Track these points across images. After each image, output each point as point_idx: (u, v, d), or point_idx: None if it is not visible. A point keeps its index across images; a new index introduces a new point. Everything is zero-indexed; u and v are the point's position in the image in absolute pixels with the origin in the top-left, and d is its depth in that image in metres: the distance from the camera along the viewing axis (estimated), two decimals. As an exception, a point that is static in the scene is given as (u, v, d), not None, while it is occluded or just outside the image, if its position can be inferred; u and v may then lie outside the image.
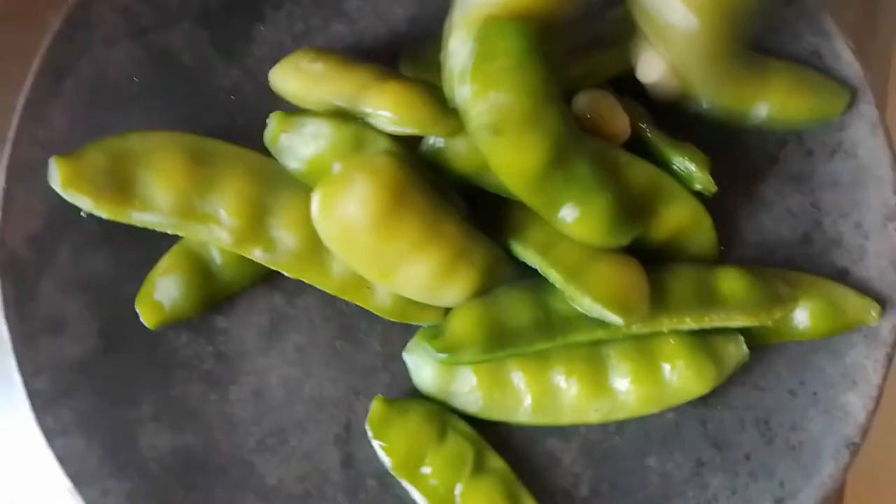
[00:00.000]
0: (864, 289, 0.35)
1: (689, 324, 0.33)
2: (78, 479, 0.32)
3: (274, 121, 0.33)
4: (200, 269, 0.34)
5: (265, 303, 0.35)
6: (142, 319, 0.34)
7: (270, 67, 0.35)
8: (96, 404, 0.33)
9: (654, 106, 0.35)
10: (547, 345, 0.33)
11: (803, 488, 0.34)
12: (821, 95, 0.36)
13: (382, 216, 0.31)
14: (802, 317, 0.34)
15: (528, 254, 0.34)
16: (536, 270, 0.34)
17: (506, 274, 0.34)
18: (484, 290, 0.34)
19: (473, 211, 0.35)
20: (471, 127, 0.31)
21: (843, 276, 0.36)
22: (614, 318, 0.32)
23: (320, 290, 0.34)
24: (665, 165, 0.34)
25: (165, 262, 0.34)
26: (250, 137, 0.34)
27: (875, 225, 0.36)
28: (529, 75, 0.30)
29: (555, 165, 0.31)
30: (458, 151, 0.33)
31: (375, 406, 0.34)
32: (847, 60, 0.36)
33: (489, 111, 0.30)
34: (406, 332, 0.35)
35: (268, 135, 0.34)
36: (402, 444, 0.33)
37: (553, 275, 0.33)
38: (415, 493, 0.33)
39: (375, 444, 0.34)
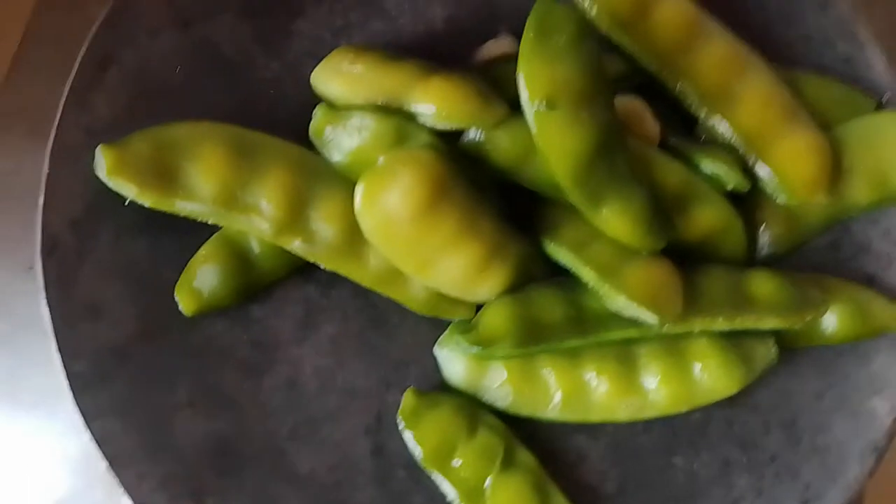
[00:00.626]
0: (891, 295, 0.35)
1: (721, 324, 0.33)
2: (115, 461, 0.33)
3: (319, 113, 0.34)
4: (239, 258, 0.35)
5: (300, 294, 0.36)
6: (180, 307, 0.34)
7: (310, 62, 0.35)
8: (133, 389, 0.34)
9: (683, 112, 0.36)
10: (579, 341, 0.34)
11: (828, 490, 0.34)
12: (846, 106, 0.37)
13: (423, 209, 0.31)
14: (830, 321, 0.35)
15: (561, 252, 0.34)
16: (568, 270, 0.34)
17: (538, 271, 0.35)
18: (517, 287, 0.34)
19: (508, 208, 0.35)
20: (525, 101, 0.31)
21: (870, 282, 0.36)
22: (649, 317, 0.32)
23: (354, 283, 0.35)
24: (695, 170, 0.35)
25: (205, 250, 0.35)
26: (289, 131, 0.35)
27: (904, 232, 0.36)
28: (585, 54, 0.31)
29: (601, 154, 0.31)
30: (498, 145, 0.33)
31: (407, 397, 0.34)
32: (880, 69, 0.37)
33: (546, 84, 0.30)
34: (437, 326, 0.36)
35: (313, 127, 0.34)
36: (432, 435, 0.34)
37: (587, 273, 0.33)
38: (444, 485, 0.34)
39: (406, 435, 0.34)
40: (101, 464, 0.33)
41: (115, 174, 0.33)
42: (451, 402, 0.34)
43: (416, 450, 0.34)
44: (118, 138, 0.34)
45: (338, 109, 0.34)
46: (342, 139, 0.34)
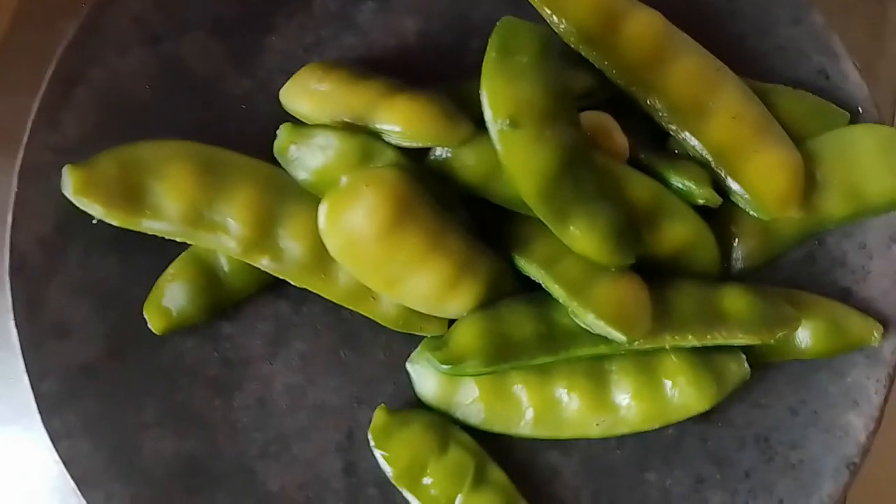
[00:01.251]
0: (866, 309, 0.35)
1: (692, 341, 0.33)
2: (83, 481, 0.33)
3: (283, 132, 0.34)
4: (208, 275, 0.35)
5: (271, 310, 0.36)
6: (149, 325, 0.34)
7: (281, 78, 0.35)
8: (102, 408, 0.34)
9: (654, 127, 0.36)
10: (549, 358, 0.33)
11: (802, 507, 0.34)
12: (819, 119, 0.36)
13: (388, 228, 0.31)
14: (805, 336, 0.34)
15: (531, 268, 0.34)
16: (540, 285, 0.34)
17: (509, 287, 0.35)
18: (487, 303, 0.34)
19: (478, 224, 0.35)
20: (489, 120, 0.31)
21: (845, 296, 0.36)
22: (617, 335, 0.32)
23: (325, 299, 0.35)
24: (666, 184, 0.35)
25: (174, 268, 0.34)
26: (261, 147, 0.35)
27: (879, 245, 0.36)
28: (548, 73, 0.31)
29: (567, 171, 0.31)
30: (464, 162, 0.33)
31: (378, 415, 0.34)
32: (854, 81, 0.37)
33: (509, 103, 0.30)
34: (410, 341, 0.35)
35: (277, 145, 0.34)
36: (403, 453, 0.34)
37: (556, 290, 0.33)
38: (415, 503, 0.34)
39: (377, 453, 0.34)
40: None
41: (81, 194, 0.33)
42: (422, 419, 0.34)
43: (387, 468, 0.34)
44: (87, 157, 0.34)
45: (303, 127, 0.34)
46: (307, 157, 0.33)
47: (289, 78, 0.35)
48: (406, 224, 0.32)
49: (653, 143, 0.35)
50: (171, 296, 0.34)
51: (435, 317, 0.35)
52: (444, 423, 0.34)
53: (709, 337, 0.33)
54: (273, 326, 0.36)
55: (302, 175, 0.34)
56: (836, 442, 0.34)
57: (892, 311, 0.35)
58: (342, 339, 0.36)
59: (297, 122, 0.34)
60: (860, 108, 0.36)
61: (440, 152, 0.33)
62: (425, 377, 0.35)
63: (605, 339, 0.33)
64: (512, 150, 0.31)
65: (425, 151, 0.33)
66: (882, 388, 0.34)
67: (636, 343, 0.33)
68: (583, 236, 0.32)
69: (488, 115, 0.31)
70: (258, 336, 0.35)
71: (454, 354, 0.33)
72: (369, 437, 0.34)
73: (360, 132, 0.33)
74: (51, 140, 0.35)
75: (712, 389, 0.33)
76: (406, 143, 0.32)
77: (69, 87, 0.35)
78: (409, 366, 0.35)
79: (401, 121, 0.32)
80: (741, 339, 0.33)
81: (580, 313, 0.33)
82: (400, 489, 0.34)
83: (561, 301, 0.33)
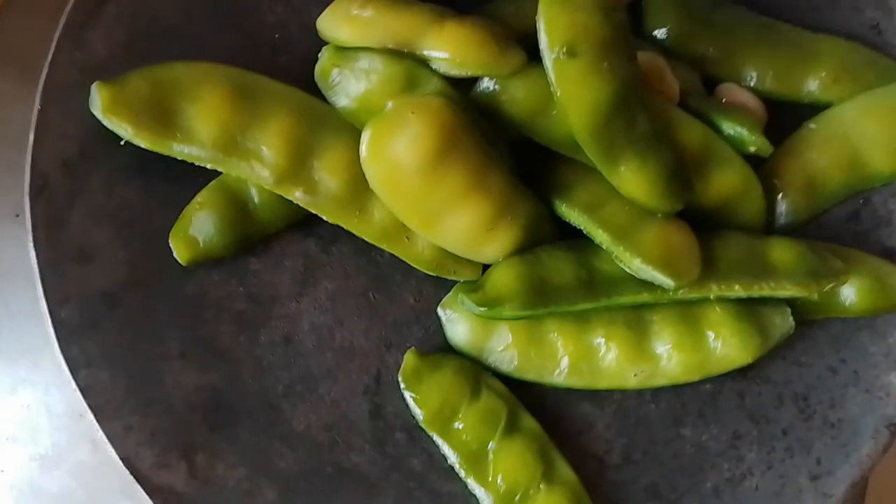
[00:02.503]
0: (911, 269, 0.34)
1: (738, 291, 0.32)
2: (101, 412, 0.31)
3: (326, 54, 0.32)
4: (237, 207, 0.33)
5: (299, 248, 0.34)
6: (175, 254, 0.33)
7: (317, 6, 0.34)
8: (122, 337, 0.32)
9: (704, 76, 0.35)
10: (590, 305, 0.32)
11: (840, 466, 0.33)
12: (871, 71, 0.36)
13: (432, 159, 0.30)
14: (849, 293, 0.33)
15: (574, 213, 0.33)
16: (580, 232, 0.33)
17: (548, 233, 0.34)
18: (525, 248, 0.33)
19: (520, 166, 0.34)
20: (545, 48, 0.30)
21: (890, 256, 0.35)
22: (664, 280, 0.31)
23: (355, 239, 0.34)
24: (717, 131, 0.34)
25: (202, 197, 0.33)
26: (293, 77, 0.33)
27: (926, 205, 0.35)
28: (608, 2, 0.29)
29: (621, 108, 0.30)
30: (513, 95, 0.32)
31: (408, 358, 0.33)
32: (907, 36, 0.36)
33: (567, 31, 0.29)
34: (440, 287, 0.34)
35: (319, 68, 0.33)
36: (434, 397, 0.33)
37: (600, 235, 0.32)
38: (445, 448, 0.33)
39: (407, 395, 0.33)
40: (86, 420, 0.32)
41: (110, 112, 0.31)
42: (454, 363, 0.33)
43: (417, 412, 0.33)
44: (114, 78, 0.32)
45: (347, 50, 0.32)
46: (349, 83, 0.32)
47: (324, 7, 0.34)
48: (450, 157, 0.30)
49: (703, 88, 0.34)
50: (199, 225, 0.33)
51: (469, 261, 0.34)
52: (476, 368, 0.33)
53: (756, 287, 0.32)
54: (301, 265, 0.34)
55: (343, 101, 0.32)
56: (877, 402, 0.34)
57: (938, 273, 0.35)
58: (372, 281, 0.34)
59: (337, 49, 0.33)
60: (913, 65, 0.36)
61: (487, 84, 0.32)
62: (456, 323, 0.34)
63: (648, 287, 0.32)
64: (567, 80, 0.30)
65: (472, 83, 0.32)
66: (925, 349, 0.34)
67: (682, 291, 0.32)
68: (633, 178, 0.31)
69: (544, 42, 0.30)
70: (286, 273, 0.34)
71: (491, 297, 0.32)
72: (399, 379, 0.33)
73: (405, 59, 0.32)
74: (76, 59, 0.33)
75: (756, 342, 0.32)
76: (454, 72, 0.31)
77: (98, 5, 0.34)
78: (440, 310, 0.34)
79: (449, 47, 0.31)
80: (789, 291, 0.32)
81: (626, 258, 0.32)
82: (430, 433, 0.33)
83: (605, 246, 0.32)
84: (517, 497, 0.32)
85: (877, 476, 0.40)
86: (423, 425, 0.33)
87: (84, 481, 0.39)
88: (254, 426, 0.33)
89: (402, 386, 0.33)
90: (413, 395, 0.33)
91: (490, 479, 0.32)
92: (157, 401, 0.32)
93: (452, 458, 0.32)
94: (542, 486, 0.32)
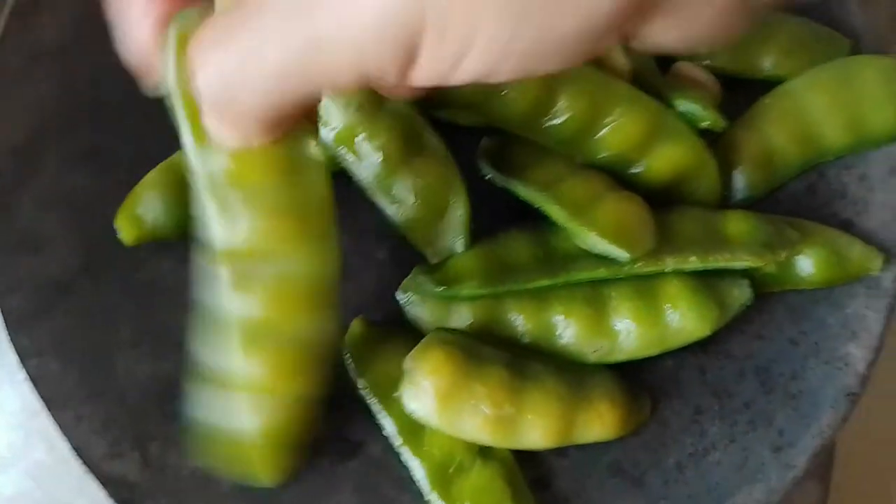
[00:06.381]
0: (867, 241, 0.34)
1: (695, 263, 0.32)
2: (52, 402, 0.31)
3: None
4: (187, 187, 0.33)
5: (255, 234, 0.34)
6: (119, 234, 0.32)
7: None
8: (73, 326, 0.32)
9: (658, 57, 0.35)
10: (548, 281, 0.32)
11: (802, 437, 0.33)
12: (822, 46, 0.36)
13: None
14: (806, 264, 0.34)
15: (530, 192, 0.33)
16: (537, 212, 0.33)
17: None
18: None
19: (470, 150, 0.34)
20: None
21: (846, 228, 0.35)
22: (620, 253, 0.31)
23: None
24: (669, 107, 0.34)
25: (152, 176, 0.33)
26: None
27: (880, 177, 0.35)
28: None
29: None
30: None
31: (354, 326, 0.33)
32: (852, 10, 0.36)
33: None
34: (400, 270, 0.34)
35: None
36: (378, 365, 0.32)
37: (556, 211, 0.32)
38: (386, 422, 0.32)
39: (349, 365, 0.32)
40: (41, 418, 0.31)
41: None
42: (399, 335, 0.32)
43: (359, 381, 0.32)
44: (64, 63, 0.32)
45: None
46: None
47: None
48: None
49: (655, 64, 0.35)
50: (147, 205, 0.32)
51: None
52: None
53: (711, 259, 0.32)
54: (257, 250, 0.34)
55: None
56: (836, 372, 0.34)
57: (893, 243, 0.35)
58: (330, 265, 0.34)
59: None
60: (860, 39, 0.36)
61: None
62: (416, 305, 0.33)
63: (605, 262, 0.32)
64: None
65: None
66: (882, 319, 0.34)
67: (638, 265, 0.32)
68: None
69: None
70: (241, 259, 0.34)
71: (450, 276, 0.32)
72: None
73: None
74: (26, 43, 0.33)
75: (714, 314, 0.32)
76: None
77: (45, -11, 0.33)
78: (399, 294, 0.34)
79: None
80: (745, 261, 0.32)
81: (581, 233, 0.31)
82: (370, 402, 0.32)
83: (560, 222, 0.32)
84: (451, 470, 0.31)
85: (844, 446, 0.40)
86: (364, 392, 0.32)
87: (41, 481, 0.38)
88: (209, 413, 0.32)
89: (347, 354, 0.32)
90: (356, 365, 0.32)
91: (425, 448, 0.31)
92: (109, 390, 0.32)
93: (391, 428, 0.32)
94: (477, 462, 0.31)
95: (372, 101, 0.31)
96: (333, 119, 0.32)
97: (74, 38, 0.33)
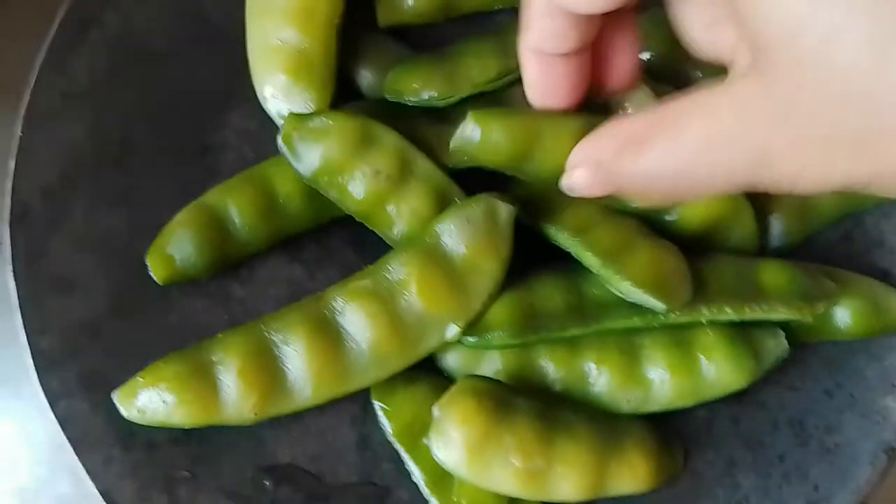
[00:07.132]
0: (906, 291, 0.34)
1: (730, 315, 0.31)
2: (80, 444, 0.31)
3: (287, 121, 0.32)
4: (217, 226, 0.33)
5: (284, 273, 0.34)
6: (150, 272, 0.32)
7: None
8: (103, 367, 0.32)
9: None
10: (580, 331, 0.32)
11: (838, 493, 0.32)
12: None
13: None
14: (843, 315, 0.33)
15: (562, 237, 0.32)
16: (569, 256, 0.32)
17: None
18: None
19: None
20: None
21: (884, 278, 0.34)
22: (655, 303, 0.31)
23: (341, 264, 0.34)
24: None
25: (182, 216, 0.32)
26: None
27: (918, 226, 0.35)
28: None
29: None
30: (494, 144, 0.31)
31: None
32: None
33: None
34: (429, 313, 0.34)
35: (281, 137, 0.32)
36: (406, 411, 0.32)
37: (589, 258, 0.32)
38: (410, 465, 0.32)
39: (377, 405, 0.32)
40: (67, 451, 0.31)
41: None
42: (429, 379, 0.32)
43: (386, 424, 0.32)
44: (96, 104, 0.32)
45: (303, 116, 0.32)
46: (307, 146, 0.32)
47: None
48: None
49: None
50: (177, 244, 0.32)
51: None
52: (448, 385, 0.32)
53: (747, 310, 0.31)
54: (286, 291, 0.34)
55: (305, 166, 0.32)
56: (874, 426, 0.33)
57: (932, 294, 0.34)
58: (359, 307, 0.34)
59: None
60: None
61: (470, 132, 0.31)
62: (447, 350, 0.33)
63: (638, 311, 0.31)
64: None
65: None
66: (922, 372, 0.33)
67: (672, 315, 0.31)
68: None
69: None
70: (271, 300, 0.34)
71: (480, 326, 0.32)
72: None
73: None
74: (59, 84, 0.33)
75: (750, 366, 0.32)
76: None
77: (82, 29, 0.33)
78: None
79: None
80: (781, 314, 0.31)
81: (616, 281, 0.31)
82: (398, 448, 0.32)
83: (594, 270, 0.32)
84: None
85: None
86: (393, 438, 0.32)
87: (66, 515, 0.38)
88: (237, 458, 0.32)
89: (373, 396, 0.32)
90: (383, 405, 0.32)
91: (454, 499, 0.31)
92: (138, 432, 0.31)
93: (418, 475, 0.32)
94: None
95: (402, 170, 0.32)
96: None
97: (106, 80, 0.33)
